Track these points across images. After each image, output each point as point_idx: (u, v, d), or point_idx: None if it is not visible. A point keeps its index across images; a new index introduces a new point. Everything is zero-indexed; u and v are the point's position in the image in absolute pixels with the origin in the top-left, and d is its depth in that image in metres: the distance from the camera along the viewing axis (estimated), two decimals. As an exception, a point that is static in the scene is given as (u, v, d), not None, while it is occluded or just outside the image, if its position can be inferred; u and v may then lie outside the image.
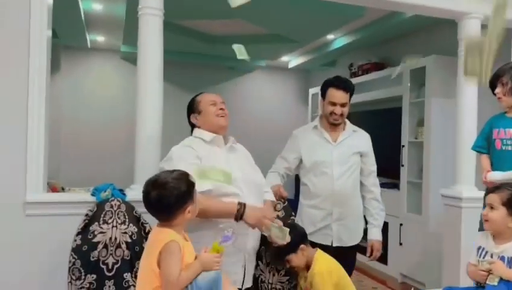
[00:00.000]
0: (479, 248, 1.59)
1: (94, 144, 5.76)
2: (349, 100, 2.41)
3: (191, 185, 1.44)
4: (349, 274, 2.49)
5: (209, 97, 2.01)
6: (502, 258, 1.48)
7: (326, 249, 2.36)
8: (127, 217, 1.90)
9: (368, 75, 4.93)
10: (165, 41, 2.34)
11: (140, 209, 1.95)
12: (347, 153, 2.41)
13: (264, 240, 2.12)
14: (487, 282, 1.42)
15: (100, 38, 5.39)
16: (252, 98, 6.60)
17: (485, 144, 2.07)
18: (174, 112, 4.46)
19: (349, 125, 2.50)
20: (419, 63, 4.00)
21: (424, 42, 4.44)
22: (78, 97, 5.76)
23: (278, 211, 2.32)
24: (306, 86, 6.65)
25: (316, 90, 5.96)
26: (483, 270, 1.47)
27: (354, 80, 5.11)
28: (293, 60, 6.22)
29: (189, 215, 1.42)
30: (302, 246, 2.04)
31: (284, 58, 6.14)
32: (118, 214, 1.89)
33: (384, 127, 4.60)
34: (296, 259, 2.03)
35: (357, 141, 2.47)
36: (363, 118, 5.04)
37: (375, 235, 2.46)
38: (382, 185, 4.46)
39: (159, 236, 1.39)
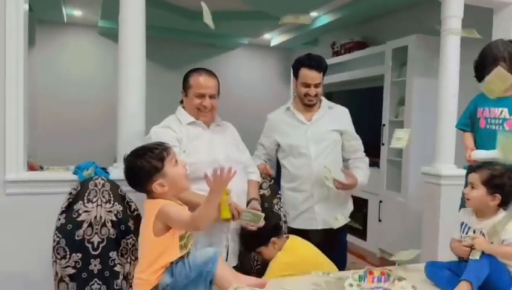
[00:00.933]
0: (462, 224, 1.63)
1: (71, 121, 5.63)
2: (323, 79, 2.33)
3: (159, 160, 1.43)
4: (343, 257, 2.48)
5: (199, 87, 1.93)
6: (484, 234, 1.52)
7: (314, 233, 2.34)
8: (111, 195, 1.87)
9: (350, 54, 4.93)
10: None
11: (125, 187, 1.93)
12: (322, 131, 2.34)
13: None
14: (470, 257, 1.47)
15: (77, 13, 5.20)
16: (234, 76, 6.52)
17: (469, 122, 2.09)
18: (154, 89, 4.39)
19: (324, 102, 2.43)
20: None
21: (407, 21, 4.45)
22: (54, 73, 5.58)
23: (264, 189, 2.34)
24: (288, 65, 6.55)
25: (298, 68, 5.94)
26: (466, 246, 1.51)
27: (337, 59, 5.15)
28: (275, 38, 6.16)
29: (163, 188, 1.42)
30: (273, 239, 2.02)
31: (266, 36, 6.08)
32: (102, 192, 1.86)
33: (365, 106, 4.64)
34: (267, 252, 2.01)
35: (334, 118, 2.40)
36: (345, 96, 5.06)
37: (359, 175, 2.37)
38: (363, 163, 4.59)
39: (152, 205, 1.40)
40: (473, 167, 1.61)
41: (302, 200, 2.34)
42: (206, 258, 1.40)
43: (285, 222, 2.32)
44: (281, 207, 2.32)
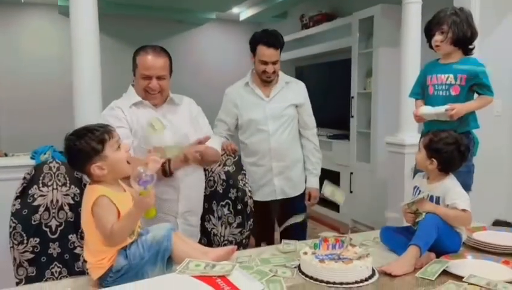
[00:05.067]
0: (414, 187, 1.68)
1: (34, 105, 5.46)
2: (280, 55, 2.34)
3: (99, 142, 1.38)
4: (305, 221, 2.58)
5: (144, 68, 1.81)
6: (431, 197, 1.57)
7: (273, 203, 2.46)
8: (67, 178, 1.83)
9: (319, 27, 4.90)
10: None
11: (82, 170, 1.89)
12: (280, 107, 2.38)
13: (211, 196, 2.13)
14: (416, 220, 1.51)
15: (35, -8, 5.00)
16: (203, 52, 6.41)
17: (420, 91, 2.12)
18: (119, 69, 4.29)
19: (282, 77, 2.44)
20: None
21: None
22: (14, 56, 5.38)
23: (229, 166, 2.34)
24: (259, 39, 6.51)
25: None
26: (411, 213, 1.55)
27: (305, 32, 5.11)
28: (243, 12, 6.05)
29: (102, 171, 1.36)
30: None
31: (235, 10, 5.97)
32: (57, 176, 1.82)
33: (334, 79, 4.66)
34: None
35: (291, 92, 2.43)
36: (314, 70, 5.06)
37: (313, 183, 2.50)
38: (333, 137, 4.64)
39: (88, 195, 1.36)
40: (423, 132, 1.66)
41: (261, 174, 2.41)
42: (161, 236, 1.39)
43: (251, 197, 2.34)
44: (246, 183, 2.33)
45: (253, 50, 2.36)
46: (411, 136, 2.98)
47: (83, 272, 1.77)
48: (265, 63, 2.31)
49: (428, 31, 2.02)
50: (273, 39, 2.30)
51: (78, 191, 1.84)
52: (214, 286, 1.17)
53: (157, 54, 1.85)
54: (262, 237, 2.51)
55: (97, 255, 1.36)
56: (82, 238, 1.83)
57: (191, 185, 1.96)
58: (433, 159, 1.56)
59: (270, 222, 2.59)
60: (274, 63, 2.32)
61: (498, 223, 2.43)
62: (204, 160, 1.86)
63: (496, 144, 2.94)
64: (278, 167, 2.40)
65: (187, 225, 1.96)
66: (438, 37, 1.97)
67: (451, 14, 1.94)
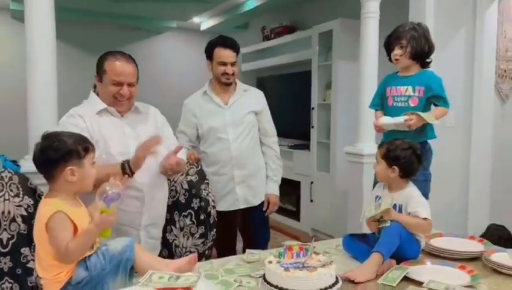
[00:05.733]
0: (376, 197, 1.73)
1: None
2: (237, 59, 2.37)
3: (84, 149, 1.36)
4: (267, 230, 2.59)
5: (115, 74, 1.77)
6: (394, 206, 1.62)
7: (235, 212, 2.44)
8: (20, 189, 1.73)
9: (280, 39, 4.97)
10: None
11: (36, 181, 1.80)
12: (240, 114, 2.39)
13: (173, 207, 2.09)
14: (379, 226, 1.55)
15: (-16, -6, 4.77)
16: (162, 61, 6.33)
17: (379, 102, 2.20)
18: (74, 76, 4.16)
19: (239, 85, 2.46)
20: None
21: (332, 5, 4.55)
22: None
23: (191, 175, 2.31)
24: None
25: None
26: (375, 221, 1.59)
27: (267, 44, 5.18)
28: (205, 22, 6.05)
29: (72, 177, 1.33)
30: None
31: (196, 20, 5.95)
32: (9, 186, 1.72)
33: (295, 90, 4.73)
34: None
35: (249, 100, 2.45)
36: (275, 81, 5.13)
37: (273, 189, 2.50)
38: (294, 147, 4.70)
39: (43, 209, 1.30)
40: (379, 145, 1.71)
41: (223, 183, 2.40)
42: (123, 246, 1.35)
43: (214, 207, 2.32)
44: (209, 193, 2.31)
45: (210, 56, 2.37)
46: (369, 146, 3.06)
47: (36, 288, 1.68)
48: (224, 64, 2.32)
49: (388, 45, 2.09)
50: (229, 42, 2.35)
51: (32, 202, 1.74)
52: (179, 298, 1.14)
53: (127, 60, 1.82)
54: (225, 247, 2.48)
55: (52, 271, 1.30)
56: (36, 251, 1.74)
57: (157, 197, 1.92)
58: (394, 167, 1.61)
59: (233, 232, 2.57)
60: (232, 64, 2.34)
61: (492, 228, 2.44)
62: (174, 171, 1.84)
63: (449, 155, 3.08)
64: (240, 175, 2.39)
65: (149, 237, 1.91)
66: (397, 51, 2.05)
67: (410, 29, 2.02)
